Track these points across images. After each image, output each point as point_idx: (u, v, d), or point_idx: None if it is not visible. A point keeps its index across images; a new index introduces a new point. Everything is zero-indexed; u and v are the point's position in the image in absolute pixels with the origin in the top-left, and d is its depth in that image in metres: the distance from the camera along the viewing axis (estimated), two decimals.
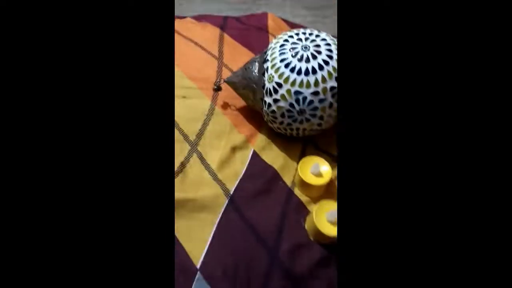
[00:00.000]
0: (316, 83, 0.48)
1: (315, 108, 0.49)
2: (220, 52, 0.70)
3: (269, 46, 0.55)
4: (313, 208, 0.49)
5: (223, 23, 0.76)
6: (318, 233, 0.47)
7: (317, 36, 0.52)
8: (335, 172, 0.55)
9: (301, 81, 0.48)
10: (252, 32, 0.76)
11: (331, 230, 0.46)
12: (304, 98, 0.49)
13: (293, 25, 0.82)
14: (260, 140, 0.59)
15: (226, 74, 0.64)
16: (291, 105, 0.50)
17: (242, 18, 0.82)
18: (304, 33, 0.53)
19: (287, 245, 0.47)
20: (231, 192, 0.52)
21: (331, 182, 0.55)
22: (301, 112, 0.50)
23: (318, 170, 0.51)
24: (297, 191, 0.53)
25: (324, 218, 0.48)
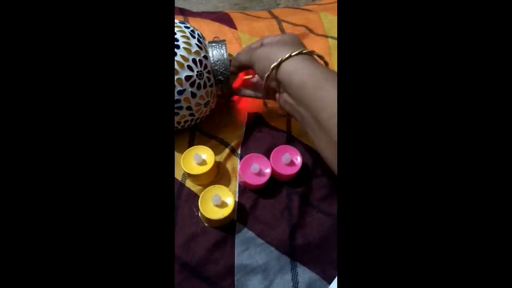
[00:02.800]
0: None
1: (178, 100, 0.50)
2: None
3: None
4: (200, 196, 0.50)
5: None
6: (207, 219, 0.49)
7: None
8: (222, 155, 0.57)
9: None
10: None
11: (217, 213, 0.48)
12: None
13: None
14: None
15: None
16: None
17: None
18: None
19: (181, 239, 0.48)
20: None
21: (218, 165, 0.56)
22: None
23: (201, 159, 0.52)
24: (188, 183, 0.54)
25: (211, 203, 0.49)
